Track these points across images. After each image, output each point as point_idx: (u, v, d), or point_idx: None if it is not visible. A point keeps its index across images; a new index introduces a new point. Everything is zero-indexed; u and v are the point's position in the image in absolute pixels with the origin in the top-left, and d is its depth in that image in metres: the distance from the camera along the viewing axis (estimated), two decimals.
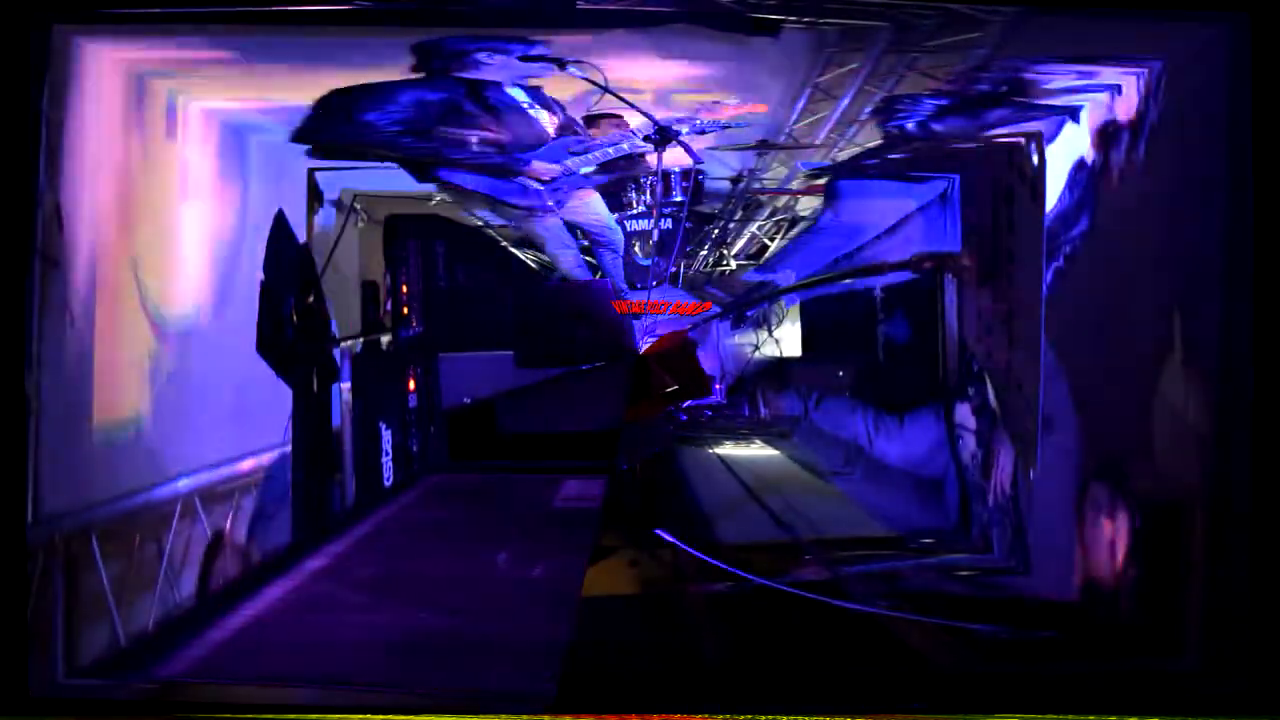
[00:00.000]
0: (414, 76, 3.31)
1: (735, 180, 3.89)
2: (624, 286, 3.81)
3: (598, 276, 3.83)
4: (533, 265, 3.85)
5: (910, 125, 3.56)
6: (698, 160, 3.74)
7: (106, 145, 3.11)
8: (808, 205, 3.90)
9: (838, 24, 3.16)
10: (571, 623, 3.11)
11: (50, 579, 2.87)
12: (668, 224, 3.86)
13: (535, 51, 3.29)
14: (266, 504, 3.60)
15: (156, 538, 3.26)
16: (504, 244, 3.85)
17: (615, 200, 3.80)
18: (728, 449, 3.92)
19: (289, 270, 3.67)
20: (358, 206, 3.83)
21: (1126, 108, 3.21)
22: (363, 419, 3.83)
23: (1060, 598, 3.33)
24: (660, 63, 3.37)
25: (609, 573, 3.46)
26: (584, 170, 3.61)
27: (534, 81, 3.47)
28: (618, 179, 3.75)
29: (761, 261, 3.97)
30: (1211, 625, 2.99)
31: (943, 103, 3.43)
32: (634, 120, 3.55)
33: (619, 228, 3.82)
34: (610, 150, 3.58)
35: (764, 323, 4.02)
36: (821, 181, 3.80)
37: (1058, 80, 3.31)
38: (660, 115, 3.55)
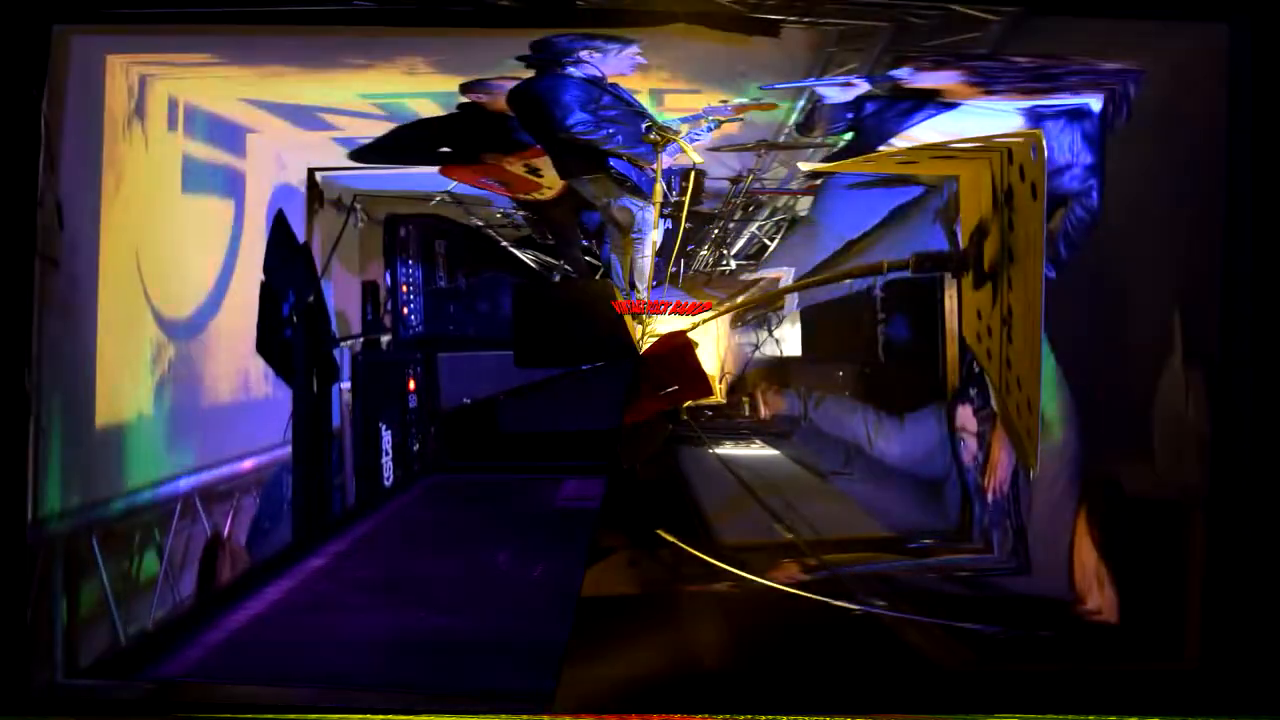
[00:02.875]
0: (572, 74, 3.33)
1: (735, 180, 3.89)
2: (625, 286, 3.81)
3: (599, 276, 3.83)
4: (533, 265, 3.85)
5: (909, 125, 3.56)
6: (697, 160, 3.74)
7: (106, 145, 3.12)
8: (807, 205, 3.90)
9: (838, 24, 3.16)
10: (571, 623, 3.10)
11: (50, 577, 2.87)
12: (668, 224, 3.86)
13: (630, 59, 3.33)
14: (266, 503, 3.60)
15: (156, 537, 3.26)
16: (504, 244, 3.85)
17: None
18: (728, 449, 3.91)
19: (289, 270, 3.67)
20: (358, 206, 3.83)
21: (1126, 108, 3.21)
22: (362, 419, 3.83)
23: (1060, 598, 3.33)
24: (658, 62, 3.37)
25: (609, 573, 3.45)
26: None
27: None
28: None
29: (761, 261, 3.97)
30: (1211, 625, 2.99)
31: (942, 104, 3.43)
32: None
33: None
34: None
35: (764, 323, 4.02)
36: (821, 181, 3.80)
37: (1057, 81, 3.31)
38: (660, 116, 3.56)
